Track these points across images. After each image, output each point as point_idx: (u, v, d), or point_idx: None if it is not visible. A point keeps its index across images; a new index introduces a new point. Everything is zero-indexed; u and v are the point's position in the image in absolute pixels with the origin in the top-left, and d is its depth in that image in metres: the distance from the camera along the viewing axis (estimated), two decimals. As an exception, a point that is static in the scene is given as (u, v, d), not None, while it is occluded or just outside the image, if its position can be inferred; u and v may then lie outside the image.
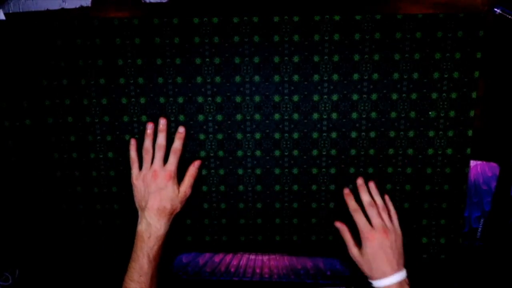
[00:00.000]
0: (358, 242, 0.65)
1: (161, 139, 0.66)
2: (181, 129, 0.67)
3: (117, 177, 0.71)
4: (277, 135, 0.69)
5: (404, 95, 0.66)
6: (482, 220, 0.72)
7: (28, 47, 0.66)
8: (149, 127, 0.67)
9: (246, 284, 0.77)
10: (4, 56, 0.67)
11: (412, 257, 0.73)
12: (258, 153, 0.69)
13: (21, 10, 0.67)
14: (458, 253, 0.72)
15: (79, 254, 0.75)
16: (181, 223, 0.72)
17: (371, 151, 0.69)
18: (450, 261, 0.73)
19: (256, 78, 0.67)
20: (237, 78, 0.67)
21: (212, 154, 0.70)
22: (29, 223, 0.73)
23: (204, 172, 0.70)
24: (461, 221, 0.71)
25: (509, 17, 0.64)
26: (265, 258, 0.76)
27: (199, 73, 0.67)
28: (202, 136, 0.69)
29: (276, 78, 0.67)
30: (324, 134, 0.68)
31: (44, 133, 0.69)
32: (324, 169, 0.70)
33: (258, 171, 0.70)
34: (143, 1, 0.67)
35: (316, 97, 0.67)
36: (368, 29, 0.64)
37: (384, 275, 0.61)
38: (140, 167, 0.67)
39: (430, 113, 0.67)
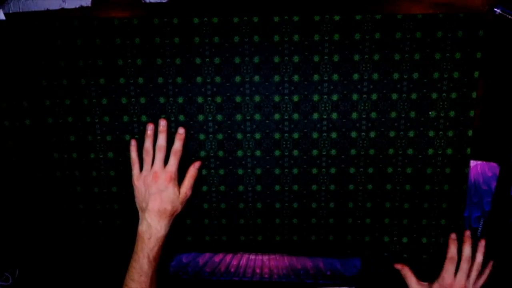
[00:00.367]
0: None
1: (162, 140, 0.66)
2: (181, 130, 0.67)
3: (117, 177, 0.71)
4: (277, 135, 0.69)
5: (404, 95, 0.67)
6: (482, 220, 0.72)
7: (28, 47, 0.66)
8: (150, 128, 0.67)
9: (246, 284, 0.77)
10: (4, 56, 0.67)
11: (412, 257, 0.73)
12: (258, 153, 0.69)
13: (21, 10, 0.67)
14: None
15: (79, 254, 0.75)
16: (181, 223, 0.72)
17: (371, 151, 0.69)
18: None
19: (256, 78, 0.67)
20: (237, 78, 0.67)
21: (212, 154, 0.70)
22: (29, 223, 0.73)
23: (204, 172, 0.70)
24: (461, 221, 0.71)
25: (509, 17, 0.64)
26: (265, 258, 0.76)
27: (199, 73, 0.67)
28: (202, 136, 0.69)
29: (276, 78, 0.67)
30: (324, 134, 0.68)
31: (44, 133, 0.69)
32: (324, 169, 0.70)
33: (258, 171, 0.70)
34: (143, 1, 0.67)
35: (316, 97, 0.67)
36: (368, 29, 0.64)
37: None
38: (141, 168, 0.67)
39: (430, 113, 0.67)
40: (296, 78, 0.67)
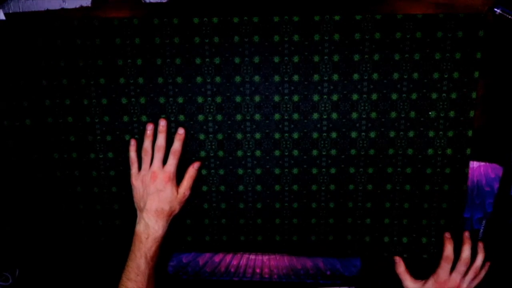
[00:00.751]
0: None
1: (161, 140, 0.66)
2: (181, 131, 0.67)
3: (117, 177, 0.71)
4: (277, 135, 0.69)
5: (404, 95, 0.66)
6: (484, 222, 0.72)
7: (28, 47, 0.66)
8: (149, 128, 0.67)
9: (246, 284, 0.77)
10: (4, 56, 0.67)
11: (412, 257, 0.73)
12: (258, 153, 0.69)
13: (21, 10, 0.67)
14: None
15: (79, 254, 0.75)
16: (181, 223, 0.72)
17: (371, 151, 0.69)
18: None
19: (256, 78, 0.67)
20: (237, 78, 0.67)
21: (212, 154, 0.70)
22: (29, 223, 0.73)
23: (204, 172, 0.70)
24: (461, 221, 0.71)
25: (509, 17, 0.64)
26: (265, 258, 0.76)
27: (199, 73, 0.67)
28: (202, 136, 0.69)
29: (276, 78, 0.67)
30: (324, 134, 0.68)
31: (44, 133, 0.69)
32: (324, 169, 0.70)
33: (258, 171, 0.70)
34: (143, 1, 0.67)
35: (316, 97, 0.67)
36: (368, 29, 0.64)
37: None
38: (140, 167, 0.67)
39: (430, 113, 0.67)
40: (296, 78, 0.67)
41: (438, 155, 0.68)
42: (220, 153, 0.70)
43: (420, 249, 0.72)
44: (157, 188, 0.64)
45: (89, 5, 0.67)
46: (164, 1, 0.66)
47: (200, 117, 0.68)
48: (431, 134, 0.68)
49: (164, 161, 0.66)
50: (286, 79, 0.67)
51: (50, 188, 0.71)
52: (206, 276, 0.77)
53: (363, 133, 0.68)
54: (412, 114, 0.67)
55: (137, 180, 0.66)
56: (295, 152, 0.69)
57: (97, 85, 0.68)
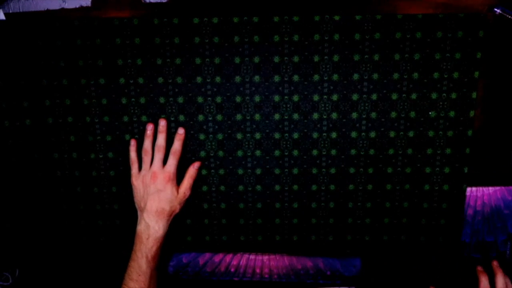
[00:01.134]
0: None
1: (161, 140, 0.66)
2: (181, 131, 0.67)
3: (117, 177, 0.71)
4: (277, 135, 0.69)
5: (404, 95, 0.66)
6: (509, 243, 0.73)
7: (28, 47, 0.66)
8: (149, 128, 0.67)
9: (246, 284, 0.77)
10: (4, 56, 0.67)
11: (411, 257, 0.73)
12: (258, 153, 0.69)
13: (21, 10, 0.67)
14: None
15: (79, 254, 0.75)
16: (181, 223, 0.72)
17: (371, 151, 0.69)
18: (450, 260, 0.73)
19: (256, 78, 0.67)
20: (237, 78, 0.67)
21: (212, 154, 0.70)
22: (29, 223, 0.73)
23: (204, 172, 0.70)
24: (461, 221, 0.71)
25: (509, 17, 0.64)
26: (265, 258, 0.76)
27: (199, 73, 0.67)
28: (202, 136, 0.69)
29: (276, 78, 0.67)
30: (324, 134, 0.68)
31: (44, 133, 0.69)
32: (324, 169, 0.70)
33: (258, 171, 0.70)
34: (143, 1, 0.67)
35: (316, 97, 0.67)
36: (368, 29, 0.64)
37: None
38: (140, 167, 0.67)
39: (430, 113, 0.67)
40: (296, 78, 0.67)
41: (438, 154, 0.68)
42: (220, 153, 0.70)
43: (420, 248, 0.72)
44: (157, 188, 0.64)
45: (89, 5, 0.67)
46: (164, 1, 0.66)
47: (200, 117, 0.68)
48: (431, 134, 0.68)
49: (164, 161, 0.66)
50: (286, 79, 0.67)
51: (50, 188, 0.71)
52: (206, 276, 0.77)
53: (363, 133, 0.68)
54: (412, 114, 0.67)
55: (137, 180, 0.66)
56: (295, 152, 0.69)
57: (97, 85, 0.68)
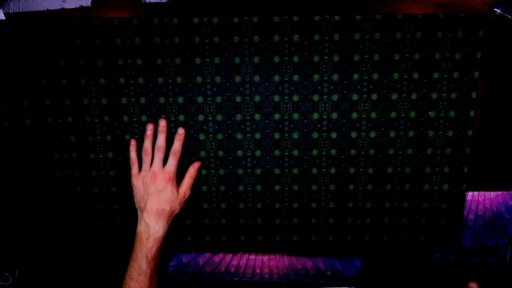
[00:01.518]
0: None
1: (161, 140, 0.66)
2: (181, 131, 0.67)
3: (117, 177, 0.71)
4: (277, 135, 0.69)
5: (404, 95, 0.66)
6: (509, 247, 0.73)
7: (28, 47, 0.66)
8: (149, 128, 0.67)
9: (246, 284, 0.77)
10: (4, 56, 0.67)
11: (411, 257, 0.73)
12: (258, 153, 0.69)
13: (21, 10, 0.67)
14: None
15: (79, 254, 0.75)
16: (181, 223, 0.72)
17: (371, 151, 0.69)
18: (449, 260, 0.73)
19: (256, 78, 0.67)
20: (237, 78, 0.67)
21: (212, 154, 0.70)
22: (29, 223, 0.73)
23: (204, 172, 0.70)
24: (460, 221, 0.71)
25: (509, 17, 0.64)
26: (265, 258, 0.76)
27: (199, 73, 0.67)
28: (202, 136, 0.69)
29: (276, 78, 0.67)
30: (324, 134, 0.68)
31: (44, 133, 0.69)
32: (324, 169, 0.70)
33: (258, 171, 0.70)
34: (143, 1, 0.67)
35: (316, 97, 0.67)
36: (368, 29, 0.64)
37: None
38: (140, 168, 0.67)
39: (430, 113, 0.67)
40: (296, 78, 0.67)
41: (438, 154, 0.68)
42: (220, 153, 0.70)
43: (420, 248, 0.72)
44: (158, 189, 0.64)
45: (89, 5, 0.67)
46: (164, 1, 0.66)
47: (200, 117, 0.68)
48: (431, 134, 0.68)
49: (165, 161, 0.66)
50: (286, 79, 0.67)
51: (50, 188, 0.71)
52: (206, 276, 0.77)
53: (363, 133, 0.68)
54: (412, 114, 0.67)
55: (137, 181, 0.66)
56: (295, 152, 0.69)
57: (97, 85, 0.68)
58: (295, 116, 0.68)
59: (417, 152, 0.68)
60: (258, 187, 0.71)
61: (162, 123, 0.67)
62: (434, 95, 0.66)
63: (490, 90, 0.67)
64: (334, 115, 0.68)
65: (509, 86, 0.67)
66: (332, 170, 0.70)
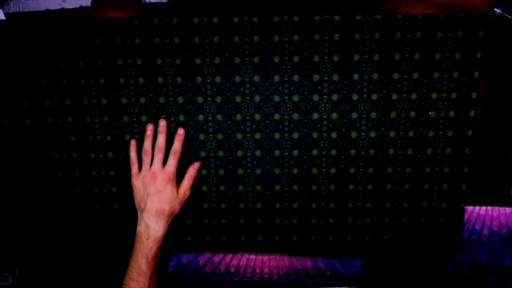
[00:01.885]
0: None
1: (161, 140, 0.66)
2: (181, 131, 0.67)
3: (117, 177, 0.71)
4: (277, 135, 0.69)
5: (404, 95, 0.66)
6: None
7: (28, 47, 0.66)
8: (149, 128, 0.67)
9: (246, 284, 0.77)
10: (4, 56, 0.67)
11: (411, 257, 0.73)
12: (258, 153, 0.69)
13: (21, 10, 0.67)
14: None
15: (79, 254, 0.75)
16: (181, 223, 0.72)
17: (371, 151, 0.69)
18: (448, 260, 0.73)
19: (256, 78, 0.67)
20: (237, 78, 0.67)
21: (212, 154, 0.70)
22: (29, 223, 0.73)
23: (204, 172, 0.70)
24: (460, 220, 0.71)
25: (509, 17, 0.64)
26: (265, 258, 0.76)
27: (199, 73, 0.67)
28: (202, 136, 0.69)
29: (276, 78, 0.67)
30: (324, 134, 0.68)
31: (44, 133, 0.69)
32: (324, 169, 0.70)
33: (258, 171, 0.70)
34: (143, 1, 0.67)
35: (316, 97, 0.67)
36: (368, 29, 0.64)
37: None
38: (140, 168, 0.67)
39: (430, 113, 0.67)
40: (296, 78, 0.67)
41: (438, 154, 0.68)
42: (220, 153, 0.70)
43: (420, 248, 0.72)
44: (157, 189, 0.64)
45: (89, 5, 0.67)
46: (164, 1, 0.66)
47: (200, 117, 0.68)
48: (431, 134, 0.68)
49: (164, 161, 0.66)
50: (286, 79, 0.67)
51: (50, 188, 0.71)
52: (206, 276, 0.77)
53: (363, 133, 0.68)
54: (412, 114, 0.67)
55: (137, 181, 0.66)
56: (295, 152, 0.69)
57: (97, 85, 0.68)
58: (295, 116, 0.68)
59: (417, 152, 0.68)
60: (258, 187, 0.71)
61: (162, 123, 0.67)
62: (434, 95, 0.66)
63: (490, 90, 0.67)
64: (334, 115, 0.68)
65: (509, 86, 0.67)
66: (332, 170, 0.70)
